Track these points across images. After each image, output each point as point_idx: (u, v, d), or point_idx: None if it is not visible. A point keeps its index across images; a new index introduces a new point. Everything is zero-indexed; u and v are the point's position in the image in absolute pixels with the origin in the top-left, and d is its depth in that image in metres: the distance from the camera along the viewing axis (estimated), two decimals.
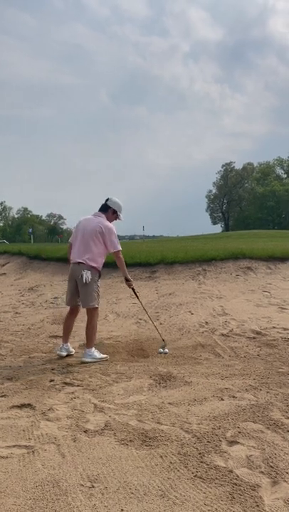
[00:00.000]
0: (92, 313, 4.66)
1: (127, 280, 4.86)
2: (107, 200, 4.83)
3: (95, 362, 4.49)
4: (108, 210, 4.79)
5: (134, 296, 5.19)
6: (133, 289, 5.03)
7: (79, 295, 4.67)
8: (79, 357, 4.70)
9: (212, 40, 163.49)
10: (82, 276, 4.53)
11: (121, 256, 4.72)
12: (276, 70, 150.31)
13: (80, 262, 4.59)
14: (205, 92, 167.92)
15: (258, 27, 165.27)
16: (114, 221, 4.89)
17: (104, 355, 4.63)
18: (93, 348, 4.59)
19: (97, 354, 4.58)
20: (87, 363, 4.46)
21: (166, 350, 4.87)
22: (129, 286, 4.93)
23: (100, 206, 4.86)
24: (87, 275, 4.52)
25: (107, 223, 4.69)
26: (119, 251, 4.67)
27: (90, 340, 4.61)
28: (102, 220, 4.70)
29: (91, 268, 4.58)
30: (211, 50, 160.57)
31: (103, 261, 4.76)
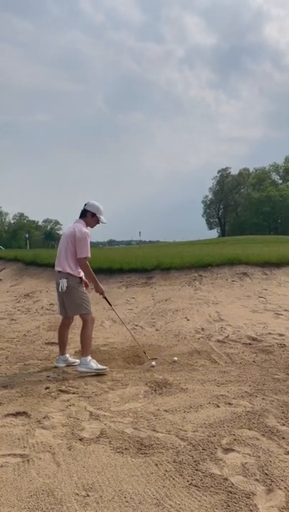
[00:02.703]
0: (84, 319, 4.51)
1: (96, 288, 4.62)
2: (85, 204, 4.65)
3: (90, 373, 4.29)
4: (87, 215, 4.60)
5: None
6: (105, 298, 4.83)
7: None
8: (71, 364, 4.67)
9: (207, 45, 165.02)
10: (58, 284, 4.45)
11: (85, 263, 4.45)
12: (271, 75, 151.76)
13: (59, 271, 4.49)
14: (201, 98, 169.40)
15: (253, 32, 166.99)
16: (98, 225, 4.70)
17: (103, 367, 4.37)
18: (89, 358, 4.41)
19: (93, 364, 4.35)
20: (82, 373, 4.31)
21: (154, 363, 4.66)
22: (100, 292, 4.67)
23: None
24: (62, 283, 4.40)
25: (82, 228, 4.48)
26: (82, 258, 4.42)
27: (84, 349, 4.45)
28: (79, 225, 4.54)
29: (68, 275, 4.42)
30: (206, 56, 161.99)
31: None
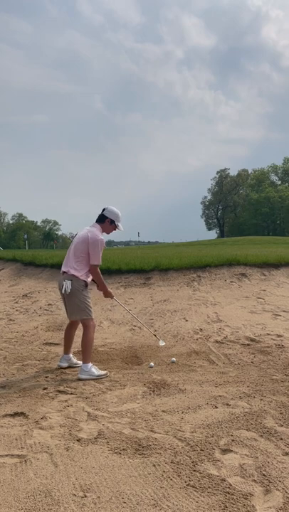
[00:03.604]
0: (85, 325, 4.41)
1: (105, 294, 4.62)
2: (104, 210, 4.55)
3: (92, 379, 4.18)
4: (105, 221, 4.52)
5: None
6: (116, 300, 4.87)
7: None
8: (74, 365, 4.67)
9: (205, 46, 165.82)
10: (62, 286, 4.38)
11: (96, 270, 4.43)
12: (269, 77, 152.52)
13: (64, 272, 4.44)
14: (199, 99, 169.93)
15: (251, 34, 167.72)
16: (114, 231, 4.65)
17: (104, 372, 4.29)
18: (90, 364, 4.29)
19: (94, 371, 4.25)
20: (83, 380, 4.18)
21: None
22: (110, 297, 4.69)
23: (97, 216, 4.62)
24: (66, 285, 4.31)
25: (96, 234, 4.40)
26: (94, 265, 4.40)
27: (84, 355, 4.33)
28: (94, 230, 4.46)
29: (73, 277, 4.34)
30: (205, 57, 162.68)
31: (87, 269, 4.45)
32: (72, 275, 4.36)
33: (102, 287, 4.56)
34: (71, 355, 4.72)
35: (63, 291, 4.38)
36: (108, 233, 4.62)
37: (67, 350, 4.68)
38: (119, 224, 4.59)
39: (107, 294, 4.63)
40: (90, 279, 4.54)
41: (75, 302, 4.39)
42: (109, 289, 4.63)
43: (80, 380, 4.18)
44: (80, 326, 4.68)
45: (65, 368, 4.60)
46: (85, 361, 4.32)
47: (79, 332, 4.77)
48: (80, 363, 4.64)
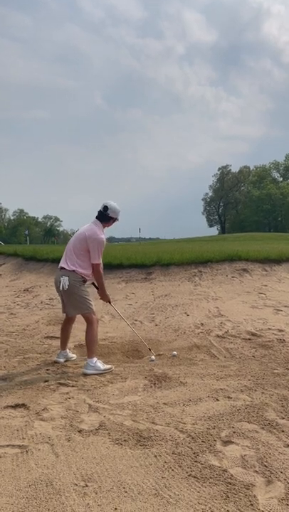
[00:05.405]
0: (88, 319, 4.37)
1: (103, 296, 4.59)
2: (106, 209, 4.46)
3: (97, 374, 4.12)
4: (106, 218, 4.49)
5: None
6: (112, 306, 4.86)
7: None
8: (75, 359, 4.68)
9: (207, 42, 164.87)
10: (60, 282, 4.33)
11: (98, 269, 4.40)
12: (271, 73, 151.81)
13: (61, 268, 4.39)
14: (200, 95, 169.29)
15: (253, 30, 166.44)
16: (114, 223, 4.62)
17: (109, 366, 4.27)
18: (95, 359, 4.25)
19: (100, 365, 4.21)
20: (89, 375, 4.12)
21: (153, 357, 4.69)
22: (106, 300, 4.65)
23: (97, 213, 4.54)
24: (64, 281, 4.26)
25: (95, 232, 4.36)
26: (96, 264, 4.37)
27: (89, 350, 4.29)
28: (95, 228, 4.40)
29: (70, 273, 4.29)
30: (206, 53, 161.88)
31: (86, 266, 4.38)
32: (71, 271, 4.31)
33: (101, 288, 4.52)
34: (68, 350, 4.72)
35: (61, 288, 4.32)
36: (109, 226, 4.61)
37: (64, 346, 4.68)
38: (119, 217, 4.60)
39: (105, 297, 4.58)
40: (90, 281, 4.50)
41: (74, 298, 4.35)
42: (107, 293, 4.59)
43: (85, 374, 4.12)
44: (77, 319, 4.67)
45: (64, 362, 4.60)
46: (90, 356, 4.27)
47: (78, 325, 4.77)
48: (74, 356, 4.69)
